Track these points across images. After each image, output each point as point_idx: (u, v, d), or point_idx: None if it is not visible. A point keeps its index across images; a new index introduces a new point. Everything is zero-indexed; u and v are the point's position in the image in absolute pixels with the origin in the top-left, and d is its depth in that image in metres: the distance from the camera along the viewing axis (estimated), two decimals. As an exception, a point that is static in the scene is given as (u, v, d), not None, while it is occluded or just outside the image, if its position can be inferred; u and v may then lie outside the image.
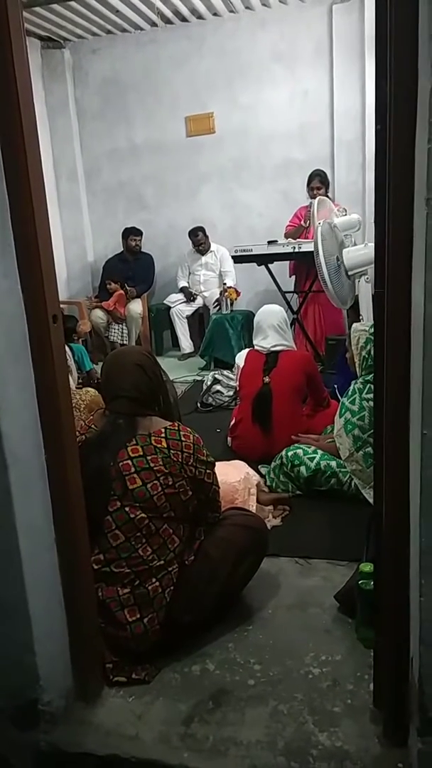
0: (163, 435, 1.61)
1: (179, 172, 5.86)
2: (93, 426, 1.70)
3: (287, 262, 4.83)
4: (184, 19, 5.47)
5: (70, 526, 1.38)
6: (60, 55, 5.82)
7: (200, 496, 1.67)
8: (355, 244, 3.42)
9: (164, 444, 1.59)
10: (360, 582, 1.60)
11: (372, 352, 2.37)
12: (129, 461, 1.56)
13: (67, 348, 4.19)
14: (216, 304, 5.30)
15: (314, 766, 1.27)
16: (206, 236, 5.55)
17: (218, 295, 5.25)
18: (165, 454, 1.58)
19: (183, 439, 1.62)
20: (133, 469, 1.55)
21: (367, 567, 1.60)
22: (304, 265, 4.46)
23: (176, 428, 1.64)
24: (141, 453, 1.57)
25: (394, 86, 1.01)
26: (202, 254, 5.63)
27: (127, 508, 1.55)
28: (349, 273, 3.29)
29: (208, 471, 1.67)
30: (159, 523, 1.57)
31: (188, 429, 1.68)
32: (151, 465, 1.56)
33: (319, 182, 4.67)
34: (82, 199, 6.14)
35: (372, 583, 1.50)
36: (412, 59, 0.98)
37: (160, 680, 1.54)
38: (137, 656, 1.56)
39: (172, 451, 1.59)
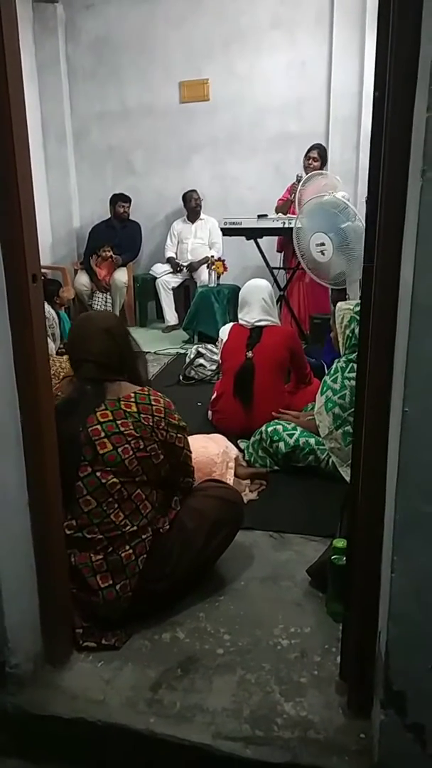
0: (132, 399, 1.59)
1: (170, 139, 5.74)
2: (59, 393, 1.67)
3: (275, 238, 4.78)
4: (181, -23, 5.31)
5: (44, 489, 1.36)
6: (52, 9, 5.61)
7: (171, 460, 1.66)
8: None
9: (134, 408, 1.57)
10: (332, 557, 1.61)
11: (356, 331, 2.37)
12: (98, 426, 1.54)
13: (54, 314, 4.13)
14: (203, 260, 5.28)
15: (278, 734, 1.29)
16: (200, 198, 5.48)
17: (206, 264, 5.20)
18: (135, 418, 1.56)
19: (153, 403, 1.60)
20: (102, 434, 1.53)
21: (340, 543, 1.61)
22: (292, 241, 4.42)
23: (146, 392, 1.62)
24: (110, 418, 1.55)
25: (396, 51, 0.98)
26: (193, 222, 5.55)
27: (98, 473, 1.53)
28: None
29: (179, 435, 1.65)
30: (131, 488, 1.56)
31: (159, 393, 1.65)
32: (122, 429, 1.54)
33: (317, 154, 4.62)
34: (69, 161, 5.99)
35: (344, 558, 1.52)
36: (415, 23, 0.94)
37: (130, 647, 1.55)
38: (108, 622, 1.57)
39: (142, 415, 1.57)
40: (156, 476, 1.62)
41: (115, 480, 1.54)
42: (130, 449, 1.54)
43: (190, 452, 1.74)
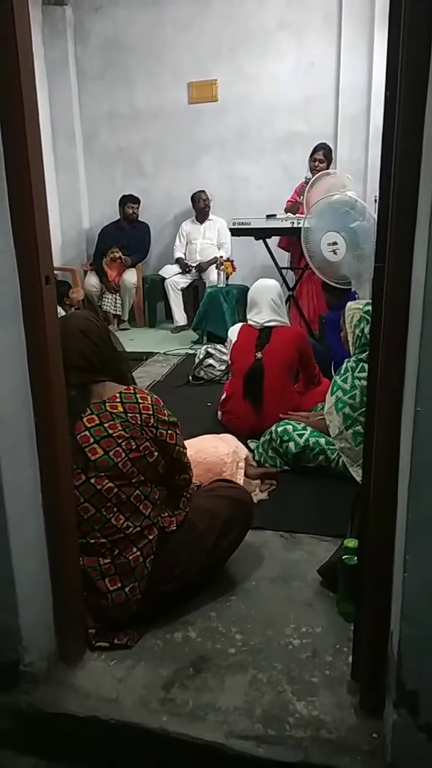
0: (118, 400, 1.56)
1: (179, 140, 5.75)
2: None
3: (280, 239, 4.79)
4: (189, -20, 5.32)
5: (57, 489, 1.37)
6: (61, 11, 5.64)
7: (165, 457, 1.62)
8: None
9: (120, 409, 1.54)
10: (344, 557, 1.61)
11: (365, 330, 2.36)
12: (86, 432, 1.51)
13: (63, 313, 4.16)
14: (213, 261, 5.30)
15: (290, 734, 1.29)
16: (209, 199, 5.49)
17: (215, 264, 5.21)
18: (123, 418, 1.53)
19: (140, 401, 1.57)
20: (92, 440, 1.51)
21: (351, 542, 1.61)
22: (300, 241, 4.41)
23: (132, 391, 1.59)
24: (97, 422, 1.52)
25: (407, 51, 0.98)
26: (201, 222, 5.56)
27: (92, 480, 1.51)
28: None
29: (170, 431, 1.61)
30: (129, 490, 1.54)
31: (144, 391, 1.62)
32: (110, 432, 1.52)
33: (322, 155, 4.60)
34: (79, 163, 6.01)
35: (355, 558, 1.52)
36: (427, 22, 0.94)
37: (142, 646, 1.56)
38: (119, 624, 1.57)
39: (129, 415, 1.54)
40: (154, 474, 1.59)
41: (111, 485, 1.52)
42: (122, 451, 1.52)
43: (184, 448, 1.70)
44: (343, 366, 2.47)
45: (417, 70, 0.97)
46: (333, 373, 3.20)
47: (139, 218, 5.73)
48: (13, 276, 1.25)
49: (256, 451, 2.66)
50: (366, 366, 2.31)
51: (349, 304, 2.55)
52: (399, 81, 1.01)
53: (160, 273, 5.66)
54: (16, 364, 1.28)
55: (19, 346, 1.28)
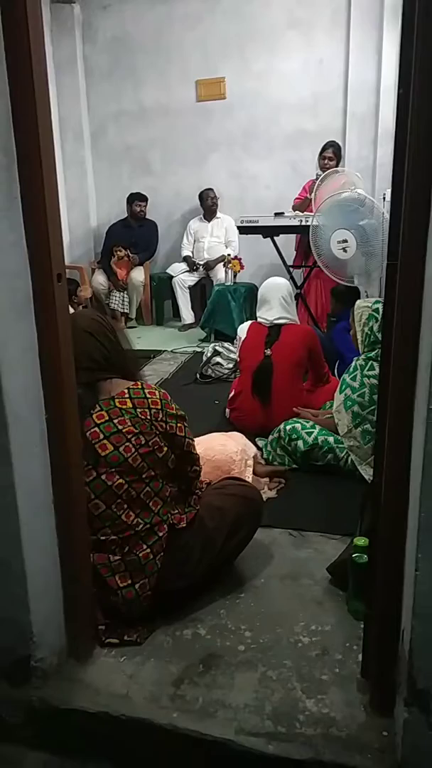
0: (126, 396, 1.56)
1: (187, 138, 5.74)
2: None
3: (293, 237, 4.77)
4: (197, -22, 5.31)
5: (68, 486, 1.38)
6: (69, 9, 5.64)
7: (175, 450, 1.63)
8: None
9: (129, 404, 1.55)
10: (353, 555, 1.61)
11: (374, 329, 2.36)
12: (96, 428, 1.52)
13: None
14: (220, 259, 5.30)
15: (301, 731, 1.29)
16: (217, 197, 5.48)
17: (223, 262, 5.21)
18: (132, 414, 1.54)
19: (148, 396, 1.58)
20: (101, 436, 1.52)
21: (361, 541, 1.61)
22: (307, 240, 4.40)
23: (140, 387, 1.60)
24: (107, 418, 1.53)
25: (421, 49, 0.97)
26: (209, 220, 5.56)
27: (103, 476, 1.52)
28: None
29: (179, 424, 1.62)
30: (139, 486, 1.55)
31: (152, 386, 1.63)
32: (120, 428, 1.52)
33: (332, 153, 4.59)
34: (87, 161, 6.01)
35: (365, 556, 1.52)
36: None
37: (152, 642, 1.56)
38: (129, 620, 1.58)
39: (138, 410, 1.55)
40: (163, 469, 1.60)
41: (121, 481, 1.52)
42: (132, 447, 1.53)
43: (192, 440, 1.71)
44: (352, 364, 2.46)
45: (430, 67, 0.96)
46: (336, 373, 3.21)
47: (147, 216, 5.73)
48: (25, 273, 1.26)
49: (264, 449, 2.66)
50: (375, 364, 2.31)
51: (358, 302, 2.54)
52: (412, 78, 1.00)
53: (167, 271, 5.66)
54: (28, 362, 1.29)
55: (30, 343, 1.29)
